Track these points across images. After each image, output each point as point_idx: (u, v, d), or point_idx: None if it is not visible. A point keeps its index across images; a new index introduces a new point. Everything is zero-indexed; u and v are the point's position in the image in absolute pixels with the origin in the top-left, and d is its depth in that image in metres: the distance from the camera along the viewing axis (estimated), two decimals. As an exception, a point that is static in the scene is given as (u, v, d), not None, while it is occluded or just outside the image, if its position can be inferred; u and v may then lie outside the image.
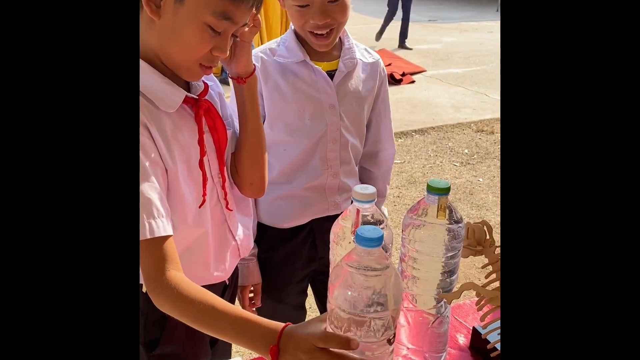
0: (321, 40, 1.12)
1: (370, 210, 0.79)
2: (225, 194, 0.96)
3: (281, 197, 1.24)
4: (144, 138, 0.80)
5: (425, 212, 0.81)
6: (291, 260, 1.29)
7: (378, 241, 0.63)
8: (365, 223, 0.78)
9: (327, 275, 1.18)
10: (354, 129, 1.22)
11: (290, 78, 1.17)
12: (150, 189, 0.79)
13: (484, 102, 5.30)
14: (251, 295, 1.29)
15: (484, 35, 8.98)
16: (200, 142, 0.88)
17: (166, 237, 0.79)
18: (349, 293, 0.65)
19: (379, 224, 0.79)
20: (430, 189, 0.80)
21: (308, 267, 1.32)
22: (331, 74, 1.18)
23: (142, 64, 0.83)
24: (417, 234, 0.82)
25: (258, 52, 1.19)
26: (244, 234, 1.04)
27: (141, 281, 0.93)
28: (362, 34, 8.10)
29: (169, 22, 0.79)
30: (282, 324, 0.73)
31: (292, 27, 1.17)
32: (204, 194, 0.90)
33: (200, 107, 0.88)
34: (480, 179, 3.61)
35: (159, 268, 0.78)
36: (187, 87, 0.91)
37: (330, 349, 0.67)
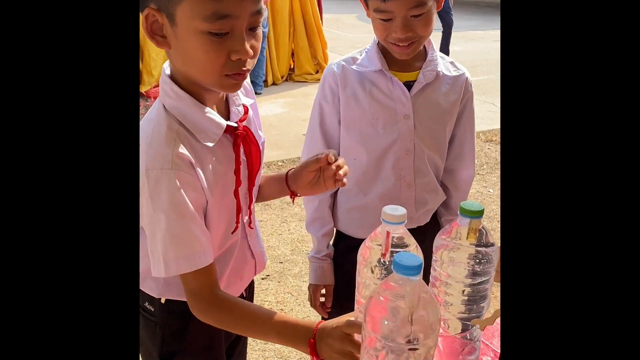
0: (402, 50, 1.13)
1: (400, 232, 0.77)
2: (250, 213, 0.95)
3: (356, 207, 1.26)
4: (193, 179, 0.81)
5: (458, 235, 0.79)
6: None
7: (417, 269, 0.61)
8: (394, 246, 0.76)
9: None
10: (430, 141, 1.22)
11: (367, 86, 1.19)
12: (194, 225, 0.82)
13: (492, 111, 5.28)
14: (322, 299, 1.32)
15: (490, 44, 8.97)
16: (237, 172, 0.87)
17: (211, 264, 0.85)
18: (386, 322, 0.63)
19: (406, 247, 0.77)
20: (463, 211, 0.78)
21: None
22: (410, 85, 1.18)
23: (184, 95, 0.82)
24: (449, 257, 0.79)
25: (341, 60, 1.23)
26: (261, 251, 1.04)
27: (159, 295, 0.95)
28: (368, 42, 8.10)
29: (176, 47, 0.78)
30: (317, 321, 0.81)
31: (375, 37, 1.19)
32: (237, 222, 0.90)
33: (238, 136, 0.87)
34: (491, 190, 3.58)
35: (207, 291, 0.85)
36: (227, 111, 0.90)
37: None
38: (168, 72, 0.85)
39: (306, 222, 1.33)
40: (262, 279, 2.46)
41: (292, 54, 5.98)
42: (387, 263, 0.74)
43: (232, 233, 0.91)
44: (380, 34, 1.14)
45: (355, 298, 0.80)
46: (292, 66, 6.02)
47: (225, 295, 0.86)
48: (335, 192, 1.30)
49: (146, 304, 0.98)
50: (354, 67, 1.20)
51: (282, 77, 5.90)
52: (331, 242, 1.35)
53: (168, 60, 0.85)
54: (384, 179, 1.22)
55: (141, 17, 0.75)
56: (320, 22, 6.06)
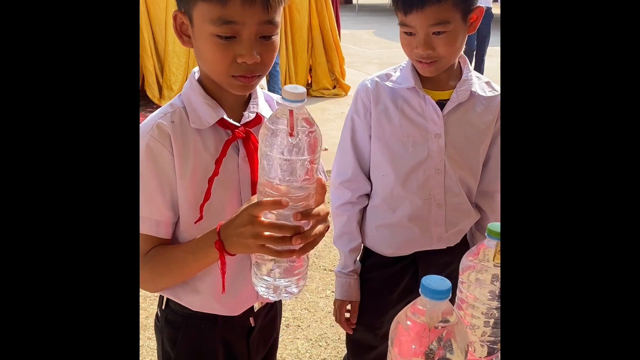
0: (425, 67, 1.12)
1: (303, 113, 0.69)
2: None
3: (385, 225, 1.25)
4: (163, 150, 0.85)
5: (485, 257, 0.78)
6: (390, 286, 1.29)
7: (446, 293, 0.60)
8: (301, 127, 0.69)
9: None
10: (462, 161, 1.20)
11: (399, 103, 1.19)
12: (149, 191, 0.86)
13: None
14: (347, 314, 1.31)
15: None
16: (217, 162, 0.87)
17: (164, 240, 0.89)
18: (413, 346, 0.61)
19: (313, 128, 0.70)
20: (490, 233, 0.77)
21: (405, 299, 1.30)
22: (444, 103, 1.18)
23: (196, 85, 0.89)
24: (476, 279, 0.78)
25: (375, 76, 1.23)
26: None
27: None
28: (385, 58, 8.15)
29: (195, 45, 0.85)
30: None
31: None
32: (200, 211, 0.88)
33: (236, 135, 0.88)
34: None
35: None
36: (241, 115, 0.91)
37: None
38: (197, 75, 0.92)
39: (334, 237, 1.33)
40: (279, 294, 2.45)
41: (310, 69, 6.03)
42: (296, 141, 0.68)
43: (195, 223, 0.88)
44: (405, 49, 1.14)
45: (259, 181, 0.74)
46: (309, 81, 6.06)
47: (150, 252, 0.88)
48: (365, 208, 1.30)
49: (157, 311, 1.04)
50: (387, 83, 1.20)
51: (299, 92, 5.93)
52: (358, 258, 1.34)
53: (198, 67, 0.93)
54: (413, 197, 1.20)
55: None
56: (338, 38, 6.11)
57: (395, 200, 1.22)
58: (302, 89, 0.68)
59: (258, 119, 0.92)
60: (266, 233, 0.72)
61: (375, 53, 8.76)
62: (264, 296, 0.77)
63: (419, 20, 1.06)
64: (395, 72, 1.22)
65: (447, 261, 1.27)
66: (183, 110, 0.88)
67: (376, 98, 1.20)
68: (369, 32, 11.20)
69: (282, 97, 0.68)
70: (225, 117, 0.88)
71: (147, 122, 0.88)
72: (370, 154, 1.24)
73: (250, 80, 0.84)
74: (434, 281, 0.61)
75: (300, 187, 0.71)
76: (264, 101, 0.96)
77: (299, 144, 0.68)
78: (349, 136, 1.25)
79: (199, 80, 0.90)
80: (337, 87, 6.01)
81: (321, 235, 0.76)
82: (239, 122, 0.90)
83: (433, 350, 0.61)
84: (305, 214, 0.72)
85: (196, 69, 0.93)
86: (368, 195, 1.29)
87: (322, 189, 0.77)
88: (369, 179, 1.27)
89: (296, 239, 0.71)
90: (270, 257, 0.74)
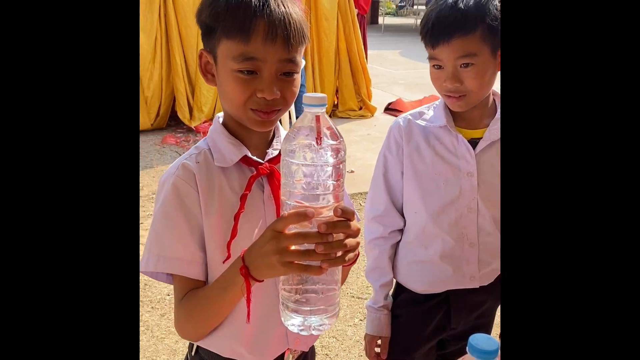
0: (453, 101, 1.13)
1: (327, 121, 0.69)
2: None
3: (417, 262, 1.25)
4: (190, 189, 0.87)
5: None
6: (421, 323, 1.29)
7: (494, 354, 0.60)
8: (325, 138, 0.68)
9: (457, 342, 1.15)
10: (495, 200, 1.19)
11: (431, 141, 1.20)
12: (180, 231, 0.87)
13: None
14: (377, 349, 1.31)
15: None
16: (242, 198, 0.88)
17: (198, 281, 0.89)
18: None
19: (337, 140, 0.69)
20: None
21: (436, 336, 1.30)
22: (476, 142, 1.18)
23: (219, 127, 0.92)
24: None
25: (408, 114, 1.25)
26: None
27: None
28: (411, 79, 8.16)
29: (218, 84, 0.88)
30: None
31: None
32: (228, 250, 0.87)
33: (259, 172, 0.89)
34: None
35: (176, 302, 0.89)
36: (263, 152, 0.93)
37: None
38: (221, 118, 0.95)
39: (366, 270, 1.33)
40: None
41: (337, 91, 6.08)
42: (319, 147, 0.67)
43: (223, 263, 0.86)
44: (434, 83, 1.15)
45: (281, 198, 0.72)
46: (335, 102, 6.11)
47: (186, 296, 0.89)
48: (397, 243, 1.30)
49: (187, 355, 1.03)
50: (419, 121, 1.22)
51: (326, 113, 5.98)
52: (391, 293, 1.35)
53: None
54: (445, 235, 1.20)
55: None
56: (365, 60, 6.16)
57: (427, 237, 1.22)
58: (323, 95, 0.68)
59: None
60: (291, 248, 0.69)
61: (401, 74, 8.78)
62: (294, 331, 0.74)
63: (446, 53, 1.08)
64: (428, 110, 1.24)
65: (480, 300, 1.26)
66: (208, 152, 0.91)
67: (408, 136, 1.22)
68: (395, 53, 11.25)
69: (304, 104, 0.68)
70: (248, 154, 0.90)
71: (174, 164, 0.91)
72: (403, 190, 1.25)
73: (269, 115, 0.85)
74: (482, 341, 0.61)
75: (324, 198, 0.68)
76: None
77: (321, 150, 0.67)
78: (382, 172, 1.27)
79: (224, 124, 0.93)
80: (364, 109, 6.04)
81: (352, 250, 0.71)
82: (263, 160, 0.91)
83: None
84: (332, 225, 0.67)
85: (220, 113, 0.96)
86: (401, 231, 1.29)
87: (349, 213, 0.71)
88: (402, 215, 1.28)
89: (318, 246, 0.67)
90: (297, 284, 0.71)
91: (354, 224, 0.71)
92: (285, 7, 0.81)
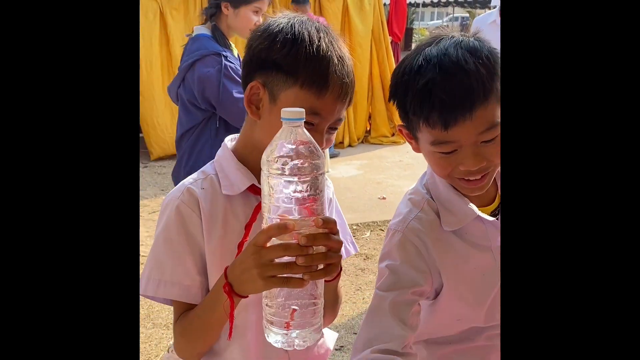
0: (474, 184, 0.89)
1: (301, 134, 0.69)
2: None
3: (457, 351, 1.04)
4: (193, 214, 0.87)
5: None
6: None
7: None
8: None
9: None
10: None
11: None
12: (181, 256, 0.88)
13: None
14: None
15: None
16: (247, 227, 0.88)
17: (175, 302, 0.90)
18: None
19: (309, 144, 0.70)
20: None
21: None
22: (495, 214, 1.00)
23: (229, 154, 0.92)
24: None
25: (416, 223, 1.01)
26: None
27: None
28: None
29: (266, 121, 0.87)
30: None
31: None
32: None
33: None
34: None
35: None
36: None
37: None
38: (230, 144, 0.95)
39: None
40: (337, 349, 2.41)
41: (369, 117, 6.10)
42: (300, 160, 0.68)
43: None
44: (441, 170, 0.90)
45: (263, 213, 0.71)
46: (368, 128, 6.13)
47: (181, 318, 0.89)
48: None
49: None
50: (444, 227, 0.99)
51: (358, 139, 6.01)
52: None
53: (231, 136, 0.97)
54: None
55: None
56: (398, 86, 6.17)
57: (476, 332, 1.00)
58: (301, 109, 0.69)
59: None
60: (273, 262, 0.69)
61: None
62: (277, 346, 0.73)
63: (464, 132, 0.83)
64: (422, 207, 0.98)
65: None
66: (215, 177, 0.91)
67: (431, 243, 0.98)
68: (428, 79, 11.23)
69: (282, 118, 0.69)
70: (256, 183, 0.89)
71: (179, 187, 0.91)
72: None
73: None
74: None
75: (304, 212, 0.69)
76: None
77: (300, 163, 0.67)
78: None
79: (233, 150, 0.93)
80: (396, 135, 6.03)
81: (334, 263, 0.71)
82: None
83: None
84: (311, 237, 0.67)
85: (230, 137, 0.96)
86: None
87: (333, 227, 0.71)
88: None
89: (299, 258, 0.67)
90: (279, 299, 0.71)
91: (335, 237, 0.71)
92: (350, 68, 0.87)
